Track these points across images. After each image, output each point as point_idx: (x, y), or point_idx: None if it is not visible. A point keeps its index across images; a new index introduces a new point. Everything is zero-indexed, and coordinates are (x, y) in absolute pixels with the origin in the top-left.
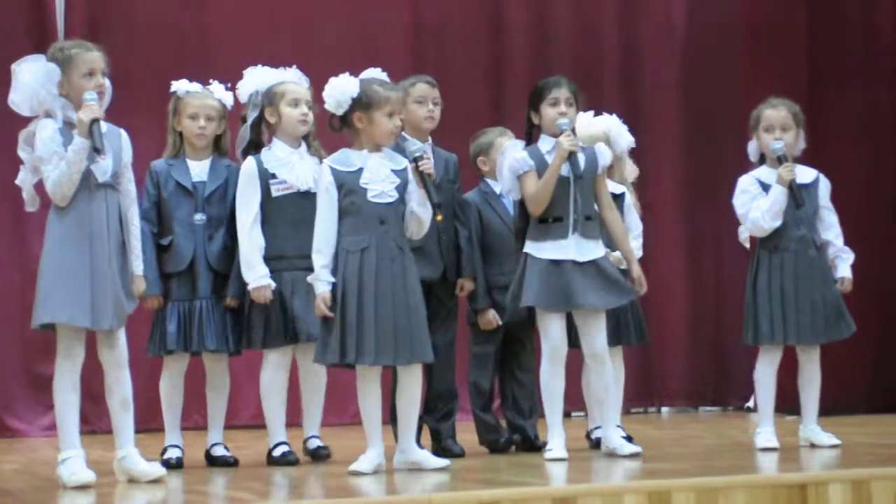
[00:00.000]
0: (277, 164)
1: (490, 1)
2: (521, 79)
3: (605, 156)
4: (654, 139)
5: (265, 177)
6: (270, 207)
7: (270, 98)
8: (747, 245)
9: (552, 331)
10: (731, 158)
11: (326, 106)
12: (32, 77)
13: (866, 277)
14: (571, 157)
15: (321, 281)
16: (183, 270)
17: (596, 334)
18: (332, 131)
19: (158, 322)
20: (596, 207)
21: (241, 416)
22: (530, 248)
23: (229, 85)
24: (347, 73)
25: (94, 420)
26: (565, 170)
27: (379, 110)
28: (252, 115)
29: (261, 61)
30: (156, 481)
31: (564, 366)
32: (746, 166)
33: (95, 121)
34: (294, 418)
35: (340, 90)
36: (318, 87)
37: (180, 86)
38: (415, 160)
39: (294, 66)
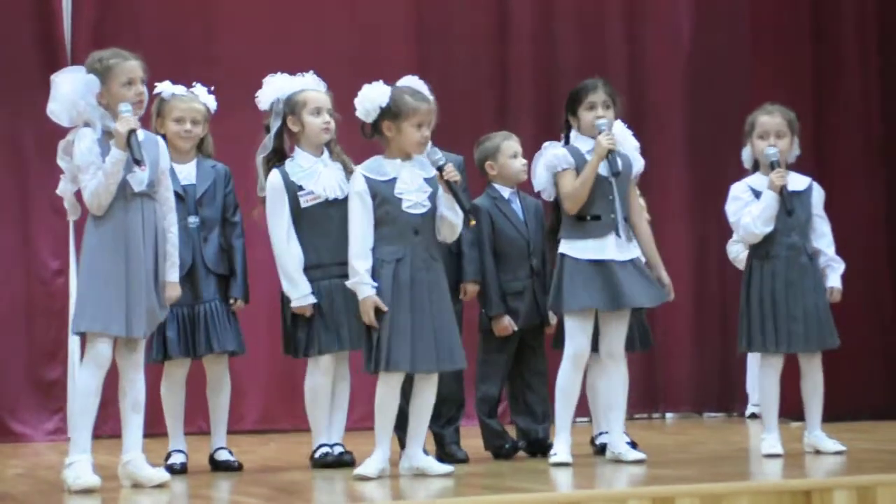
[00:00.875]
0: (303, 174)
1: (495, 6)
2: (526, 84)
3: (638, 162)
4: (660, 146)
5: (293, 189)
6: (301, 218)
7: (292, 107)
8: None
9: (580, 335)
10: (737, 166)
11: (357, 114)
12: (72, 88)
13: (866, 283)
14: (610, 155)
15: (366, 285)
16: (182, 276)
17: (618, 335)
18: (364, 138)
19: (157, 329)
20: None
21: (246, 420)
22: (567, 248)
23: (212, 88)
24: (380, 82)
25: (100, 424)
26: (604, 170)
27: (407, 121)
28: (275, 125)
29: (267, 68)
30: (160, 486)
31: (583, 371)
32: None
33: (133, 132)
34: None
35: (370, 98)
36: None
37: (164, 88)
38: (439, 169)
39: (311, 72)
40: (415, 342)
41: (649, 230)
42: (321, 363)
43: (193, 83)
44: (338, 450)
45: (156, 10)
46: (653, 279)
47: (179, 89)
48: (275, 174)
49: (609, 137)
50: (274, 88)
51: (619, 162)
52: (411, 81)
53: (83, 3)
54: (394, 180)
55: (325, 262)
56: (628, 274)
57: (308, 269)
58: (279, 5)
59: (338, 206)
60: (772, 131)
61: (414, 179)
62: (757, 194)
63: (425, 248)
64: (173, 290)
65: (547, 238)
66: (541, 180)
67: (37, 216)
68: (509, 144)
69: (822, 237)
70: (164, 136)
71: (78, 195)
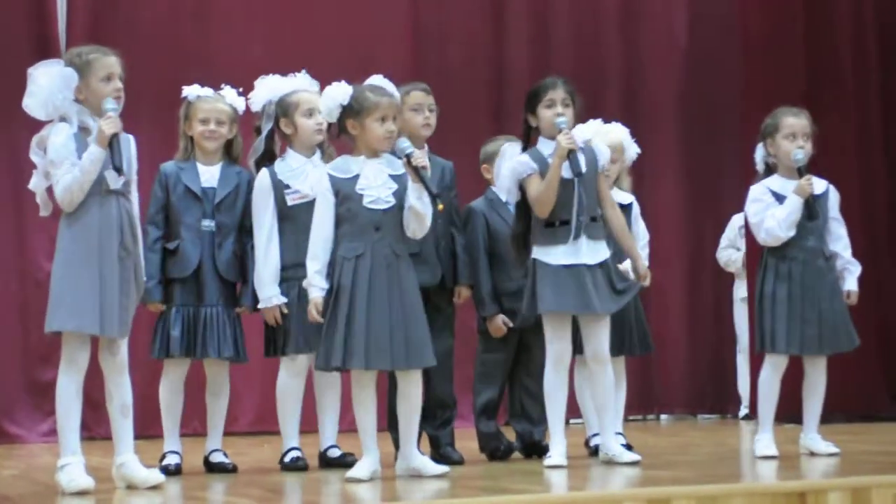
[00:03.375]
0: (291, 174)
1: (491, 8)
2: (522, 86)
3: (603, 154)
4: (654, 147)
5: (279, 188)
6: (286, 217)
7: (284, 108)
8: (728, 268)
9: (558, 337)
10: (731, 169)
11: (321, 115)
12: (49, 81)
13: (864, 287)
14: (571, 155)
15: (314, 287)
16: (188, 276)
17: (601, 337)
18: (330, 139)
19: (161, 325)
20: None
21: (240, 422)
22: (539, 253)
23: (241, 90)
24: (343, 81)
25: (93, 426)
26: (567, 171)
27: (369, 116)
28: (266, 126)
29: (263, 69)
30: (154, 488)
31: (568, 373)
32: (746, 177)
33: (116, 135)
34: (309, 426)
35: (331, 98)
36: None
37: (192, 90)
38: (406, 156)
39: (303, 72)
40: (370, 339)
41: (622, 219)
42: (294, 364)
43: (223, 85)
44: (334, 452)
45: (151, 11)
46: (619, 275)
47: (205, 91)
48: (263, 174)
49: (568, 137)
50: (266, 90)
51: (581, 161)
52: (374, 79)
53: (78, 5)
54: (357, 177)
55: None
56: (596, 279)
57: (291, 268)
58: (275, 7)
59: None
60: (800, 133)
61: (378, 176)
62: (777, 196)
63: (388, 245)
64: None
65: (512, 243)
66: (503, 185)
67: (31, 218)
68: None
69: (839, 240)
70: (191, 139)
71: (50, 191)
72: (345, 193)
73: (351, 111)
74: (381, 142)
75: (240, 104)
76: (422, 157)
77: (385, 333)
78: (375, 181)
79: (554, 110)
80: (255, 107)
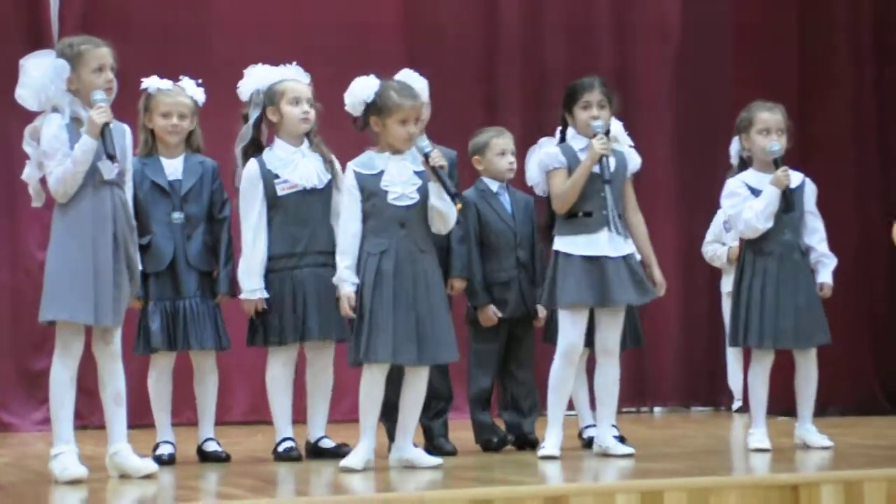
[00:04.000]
0: (280, 163)
1: (483, 1)
2: (514, 78)
3: (634, 160)
4: (648, 143)
5: (269, 178)
6: (277, 207)
7: (271, 97)
8: (714, 263)
9: (573, 330)
10: (724, 162)
11: (346, 107)
12: (41, 72)
13: (855, 280)
14: (603, 160)
15: (345, 282)
16: (163, 270)
17: (613, 330)
18: (357, 131)
19: (142, 322)
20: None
21: (234, 412)
22: (561, 244)
23: (200, 81)
24: (371, 76)
25: (87, 415)
26: (595, 169)
27: (391, 117)
28: (254, 115)
29: (255, 61)
30: (148, 477)
31: (576, 367)
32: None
33: (107, 125)
34: (298, 416)
35: (355, 94)
36: (315, 86)
37: (151, 83)
38: (425, 156)
39: (294, 63)
40: (396, 334)
41: (645, 227)
42: (281, 354)
43: (180, 76)
44: (326, 442)
45: (144, 3)
46: (643, 277)
47: (166, 83)
48: (251, 163)
49: (603, 142)
50: (254, 79)
51: (611, 167)
52: (406, 76)
53: None
54: (381, 173)
55: (299, 252)
56: (619, 271)
57: (281, 258)
58: (268, 1)
59: (316, 195)
60: (773, 128)
61: (402, 172)
62: (752, 190)
63: (412, 241)
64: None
65: (540, 234)
66: (533, 176)
67: (23, 207)
68: (498, 142)
69: (815, 233)
70: (151, 132)
71: (43, 181)
72: (370, 190)
73: (374, 108)
74: (401, 143)
75: (199, 96)
76: (440, 157)
77: (411, 328)
78: (400, 177)
79: (590, 112)
80: (244, 96)
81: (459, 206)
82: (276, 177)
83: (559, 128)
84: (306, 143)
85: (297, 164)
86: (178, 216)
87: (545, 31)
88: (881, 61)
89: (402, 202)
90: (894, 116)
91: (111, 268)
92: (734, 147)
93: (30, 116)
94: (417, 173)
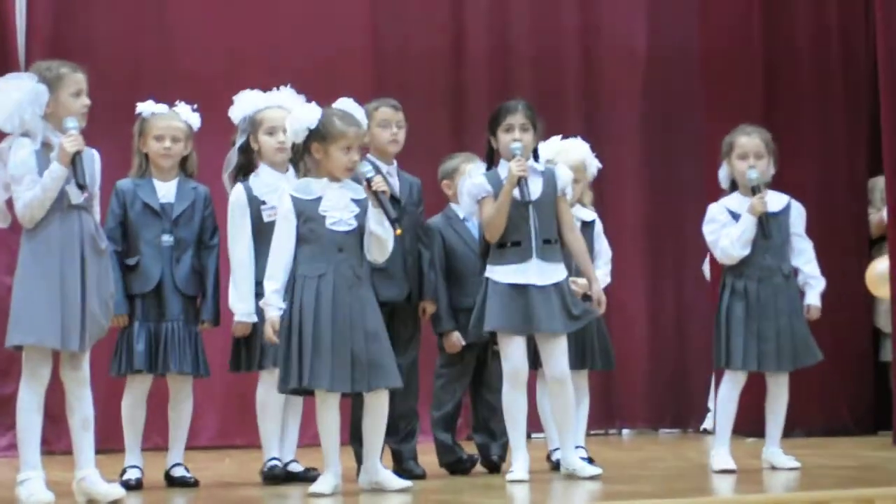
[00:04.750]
0: (266, 190)
1: (451, 26)
2: (483, 103)
3: (563, 178)
4: (615, 165)
5: (255, 204)
6: (262, 233)
7: (253, 125)
8: (708, 277)
9: (513, 353)
10: (692, 185)
11: (287, 134)
12: (20, 96)
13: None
14: (521, 181)
15: (272, 306)
16: (149, 291)
17: (558, 357)
18: (291, 159)
19: (124, 341)
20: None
21: (201, 437)
22: (490, 272)
23: (195, 106)
24: (313, 103)
25: (53, 440)
26: (515, 193)
27: (334, 144)
28: (240, 141)
29: (221, 86)
30: (115, 502)
31: (526, 388)
32: (707, 194)
33: (79, 153)
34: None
35: (299, 120)
36: None
37: (146, 107)
38: (367, 181)
39: (288, 86)
40: (335, 361)
41: (582, 243)
42: (273, 377)
43: (177, 101)
44: (295, 467)
45: (111, 26)
46: (576, 302)
47: (161, 107)
48: (238, 189)
49: (520, 164)
50: (243, 105)
51: (537, 186)
52: (345, 104)
53: (37, 20)
54: (319, 199)
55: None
56: (547, 299)
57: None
58: (235, 23)
59: None
60: (751, 152)
61: (341, 199)
62: (734, 215)
63: (349, 267)
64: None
65: (480, 260)
66: (465, 207)
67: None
68: (468, 167)
69: (802, 254)
70: (146, 155)
71: (9, 203)
72: (307, 215)
73: (317, 135)
74: (342, 171)
75: (194, 120)
76: (381, 182)
77: (347, 356)
78: (338, 203)
79: (511, 135)
80: (235, 120)
81: (399, 231)
82: (263, 203)
83: (485, 156)
84: (292, 170)
85: (284, 191)
86: (167, 239)
87: (513, 58)
88: (850, 80)
89: (341, 227)
90: (861, 138)
91: (79, 292)
92: (722, 172)
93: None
94: (355, 201)
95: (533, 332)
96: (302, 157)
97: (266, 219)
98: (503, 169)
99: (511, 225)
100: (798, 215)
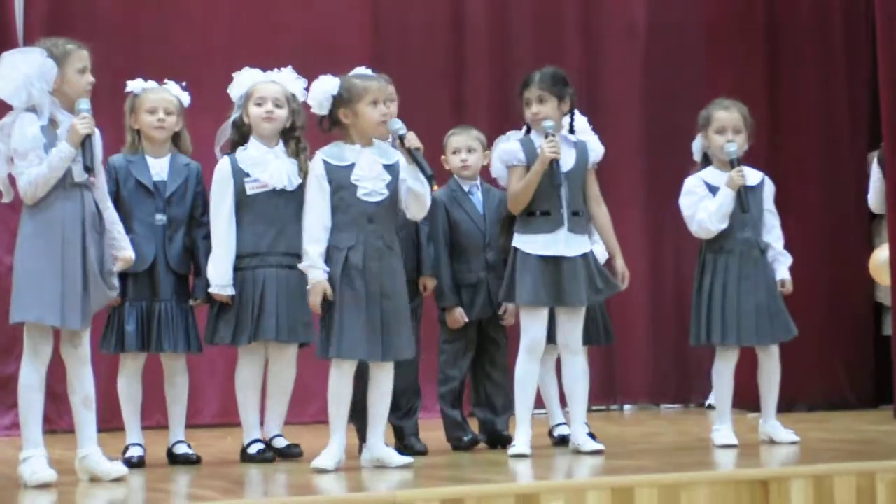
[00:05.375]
0: (252, 162)
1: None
2: (482, 77)
3: (596, 150)
4: (615, 139)
5: (240, 176)
6: (245, 205)
7: (245, 99)
8: None
9: (534, 326)
10: (692, 158)
11: (312, 109)
12: (28, 68)
13: (821, 274)
14: (553, 163)
15: (317, 269)
16: (142, 271)
17: (574, 327)
18: (323, 132)
19: (114, 321)
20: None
21: (203, 414)
22: (519, 242)
23: (185, 84)
24: (329, 74)
25: (55, 419)
26: (550, 174)
27: (361, 101)
28: (234, 116)
29: (219, 62)
30: (118, 480)
31: (540, 362)
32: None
33: (89, 136)
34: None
35: (321, 90)
36: None
37: (136, 84)
38: (400, 137)
39: (290, 67)
40: (366, 330)
41: (608, 218)
42: (248, 354)
43: (165, 80)
44: (281, 442)
45: (110, 4)
46: (602, 274)
47: (150, 84)
48: (223, 161)
49: (552, 145)
50: (241, 83)
51: (560, 173)
52: (358, 71)
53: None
54: (352, 166)
55: (263, 251)
56: (575, 271)
57: (245, 257)
58: (233, 2)
59: (286, 197)
60: (729, 127)
61: (373, 166)
62: (711, 188)
63: (379, 237)
64: (126, 259)
65: (500, 227)
66: (496, 168)
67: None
68: (452, 140)
69: (772, 231)
70: (138, 132)
71: (12, 178)
72: (339, 182)
73: (341, 100)
74: (375, 126)
75: (184, 97)
76: (415, 138)
77: (377, 325)
78: (370, 172)
79: (529, 109)
80: (234, 98)
81: (435, 187)
82: (247, 175)
83: (525, 124)
84: (281, 144)
85: (269, 164)
86: (160, 217)
87: (512, 29)
88: (852, 53)
89: (372, 198)
90: (863, 112)
91: (80, 270)
92: (696, 144)
93: None
94: (387, 167)
95: (563, 305)
96: (331, 129)
97: (249, 191)
98: (538, 137)
99: (540, 193)
100: (770, 190)
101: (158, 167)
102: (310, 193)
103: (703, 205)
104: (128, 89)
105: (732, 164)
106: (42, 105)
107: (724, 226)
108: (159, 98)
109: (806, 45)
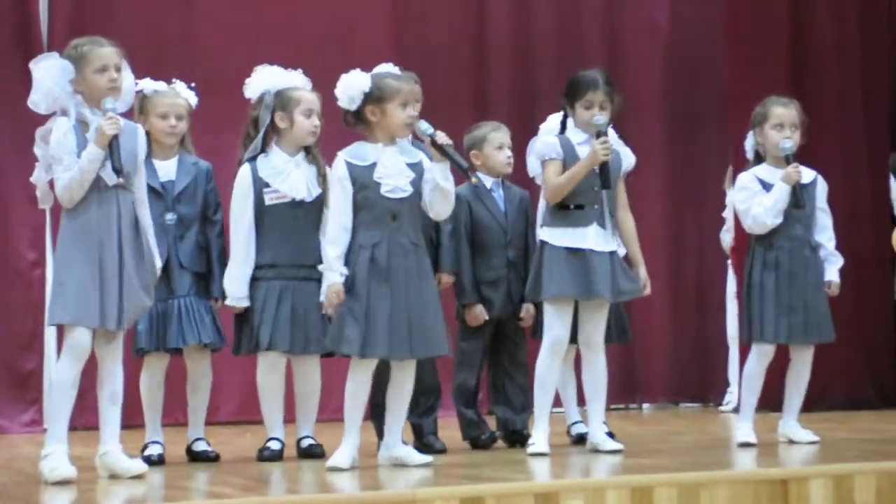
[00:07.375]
0: (272, 172)
1: None
2: (504, 72)
3: (628, 159)
4: (637, 139)
5: (259, 185)
6: (263, 216)
7: (284, 102)
8: (725, 246)
9: (558, 323)
10: (713, 158)
11: (339, 103)
12: (47, 74)
13: (843, 273)
14: (603, 165)
15: (334, 271)
16: None
17: (597, 324)
18: (346, 126)
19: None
20: None
21: (222, 412)
22: (547, 235)
23: (192, 84)
24: (357, 70)
25: (75, 416)
26: (595, 169)
27: (391, 102)
28: (266, 118)
29: (243, 62)
30: (137, 477)
31: (562, 360)
32: (728, 165)
33: (116, 137)
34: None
35: (352, 86)
36: None
37: (146, 84)
38: (429, 137)
39: (300, 70)
40: (391, 328)
41: (633, 226)
42: (268, 360)
43: (173, 80)
44: (306, 442)
45: (133, 3)
46: (627, 274)
47: (161, 85)
48: (244, 169)
49: (605, 147)
50: (263, 79)
51: (611, 175)
52: (387, 68)
53: (59, 1)
54: (374, 165)
55: (281, 263)
56: (603, 265)
57: (262, 267)
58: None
59: (305, 208)
60: (788, 123)
61: (395, 164)
62: (764, 185)
63: (404, 234)
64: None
65: (518, 226)
66: (532, 167)
67: (14, 208)
68: (496, 136)
69: (824, 231)
70: (147, 133)
71: (51, 184)
72: (362, 182)
73: (372, 98)
74: (401, 128)
75: (192, 98)
76: (445, 136)
77: (404, 322)
78: (393, 169)
79: (591, 112)
80: (251, 94)
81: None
82: (267, 185)
83: (561, 117)
84: (303, 153)
85: (289, 175)
86: (170, 217)
87: (534, 27)
88: (872, 55)
89: (396, 195)
90: (883, 107)
91: (116, 272)
92: (749, 141)
93: (20, 122)
94: (410, 165)
95: (591, 298)
96: (354, 124)
97: (268, 202)
98: (575, 134)
99: (579, 189)
100: (823, 189)
101: (165, 168)
102: (332, 194)
103: (758, 200)
104: (137, 88)
105: (788, 160)
106: (66, 105)
107: (779, 221)
108: (171, 103)
109: (830, 39)
